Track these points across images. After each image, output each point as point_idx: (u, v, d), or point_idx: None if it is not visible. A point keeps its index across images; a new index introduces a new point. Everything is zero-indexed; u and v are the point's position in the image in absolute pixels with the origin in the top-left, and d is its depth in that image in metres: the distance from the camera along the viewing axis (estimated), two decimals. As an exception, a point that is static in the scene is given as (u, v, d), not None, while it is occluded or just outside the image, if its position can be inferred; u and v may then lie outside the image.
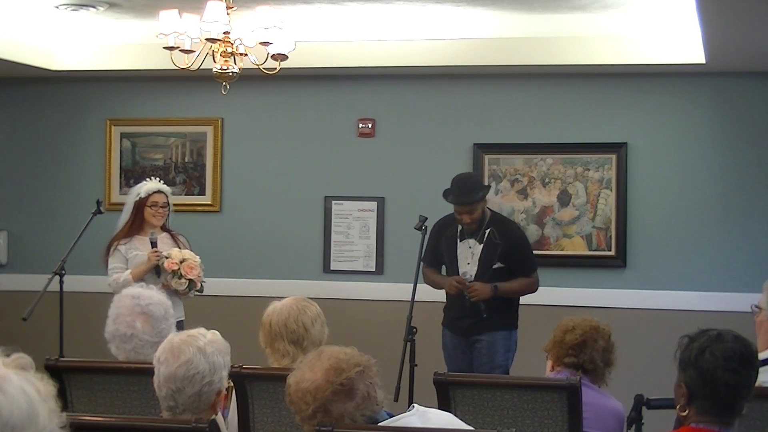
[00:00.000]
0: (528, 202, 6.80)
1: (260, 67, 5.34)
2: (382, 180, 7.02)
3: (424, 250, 5.51)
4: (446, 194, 5.62)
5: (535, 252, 6.46)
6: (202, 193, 7.25)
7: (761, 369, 2.89)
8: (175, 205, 6.10)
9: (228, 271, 6.93)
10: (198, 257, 5.73)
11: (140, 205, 5.84)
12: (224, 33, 5.15)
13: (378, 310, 6.86)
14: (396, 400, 4.70)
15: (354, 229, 7.04)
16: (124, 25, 6.73)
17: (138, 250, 5.76)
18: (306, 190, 7.10)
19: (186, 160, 7.30)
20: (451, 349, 5.74)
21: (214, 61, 5.25)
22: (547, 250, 6.75)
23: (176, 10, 5.13)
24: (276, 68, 5.38)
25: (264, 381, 3.72)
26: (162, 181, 6.02)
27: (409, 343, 5.10)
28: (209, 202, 7.24)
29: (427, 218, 5.49)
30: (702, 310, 6.33)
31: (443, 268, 5.81)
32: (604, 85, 6.75)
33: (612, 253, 6.68)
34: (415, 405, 2.80)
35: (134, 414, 3.58)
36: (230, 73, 5.26)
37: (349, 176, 7.06)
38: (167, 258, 5.65)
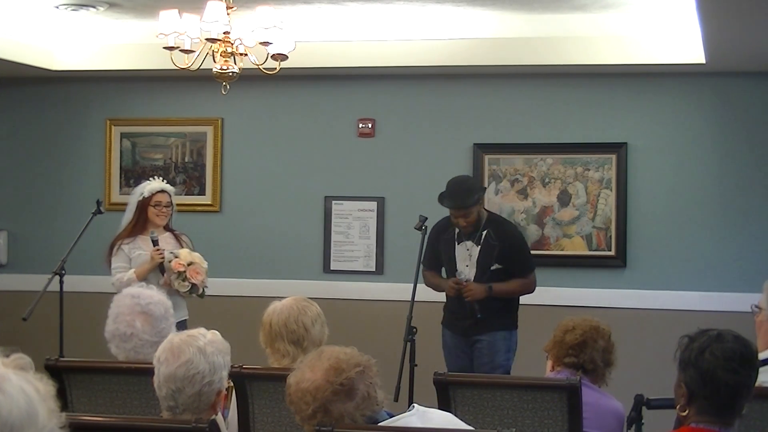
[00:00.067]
0: (528, 202, 6.80)
1: (260, 67, 5.34)
2: (382, 180, 7.02)
3: (423, 253, 5.51)
4: (441, 198, 5.62)
5: (535, 252, 6.47)
6: (202, 193, 7.25)
7: (761, 369, 2.89)
8: (175, 205, 6.09)
9: (228, 271, 6.93)
10: (206, 263, 5.73)
11: (144, 204, 5.84)
12: (224, 33, 5.15)
13: (378, 310, 6.86)
14: (396, 400, 4.70)
15: (354, 229, 7.04)
16: (124, 25, 6.73)
17: (141, 249, 5.76)
18: (306, 190, 7.10)
19: (186, 160, 7.30)
20: (452, 348, 5.74)
21: (214, 61, 5.25)
22: (547, 250, 6.75)
23: (176, 10, 5.13)
24: (276, 68, 5.38)
25: (264, 381, 3.72)
26: (165, 181, 6.02)
27: (409, 343, 5.10)
28: (209, 202, 7.24)
29: (427, 218, 5.49)
30: (702, 310, 6.33)
31: (443, 270, 5.81)
32: (604, 85, 6.75)
33: (612, 253, 6.68)
34: (415, 405, 2.80)
35: (134, 414, 3.58)
36: (230, 73, 5.26)
37: (349, 176, 7.06)
38: (176, 257, 5.65)
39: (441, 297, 5.79)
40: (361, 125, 7.05)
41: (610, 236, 6.68)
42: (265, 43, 5.17)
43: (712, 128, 6.64)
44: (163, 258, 5.66)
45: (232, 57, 5.25)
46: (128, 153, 7.37)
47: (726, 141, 6.61)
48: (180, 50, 5.20)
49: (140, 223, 5.84)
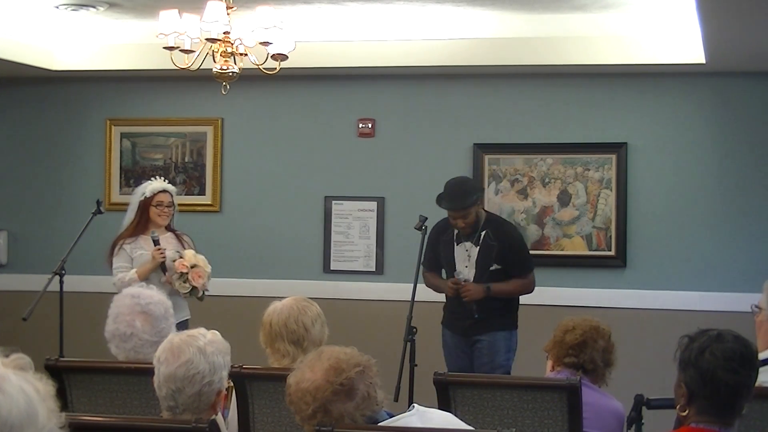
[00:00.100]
0: (528, 202, 6.80)
1: (260, 67, 5.34)
2: (382, 180, 7.02)
3: (423, 255, 5.51)
4: (439, 200, 5.62)
5: (535, 252, 6.47)
6: (202, 193, 7.25)
7: (761, 369, 2.89)
8: (177, 205, 6.09)
9: (228, 271, 6.93)
10: (210, 267, 5.73)
11: (145, 204, 5.84)
12: (224, 33, 5.15)
13: (378, 310, 6.86)
14: (396, 400, 4.70)
15: (354, 229, 7.04)
16: (124, 25, 6.73)
17: (143, 249, 5.76)
18: (306, 190, 7.10)
19: (186, 160, 7.30)
20: (452, 347, 5.74)
21: (214, 61, 5.25)
22: (547, 250, 6.75)
23: (176, 10, 5.13)
24: (276, 68, 5.38)
25: (264, 381, 3.72)
26: (166, 181, 6.02)
27: (409, 343, 5.10)
28: (209, 202, 7.24)
29: (427, 218, 5.49)
30: (702, 310, 6.33)
31: (444, 272, 5.81)
32: (604, 85, 6.75)
33: (612, 253, 6.67)
34: (415, 405, 2.80)
35: (134, 414, 3.58)
36: (230, 73, 5.26)
37: (349, 176, 7.06)
38: (180, 257, 5.66)
39: (441, 297, 5.79)
40: (361, 125, 7.05)
41: (610, 236, 6.68)
42: (265, 43, 5.17)
43: (712, 128, 6.64)
44: (164, 258, 5.66)
45: (232, 57, 5.25)
46: (128, 153, 7.37)
47: (726, 141, 6.61)
48: (180, 50, 5.20)
49: (142, 223, 5.84)
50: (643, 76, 6.68)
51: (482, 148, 6.86)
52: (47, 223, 7.41)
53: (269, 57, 5.33)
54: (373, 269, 7.00)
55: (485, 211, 5.89)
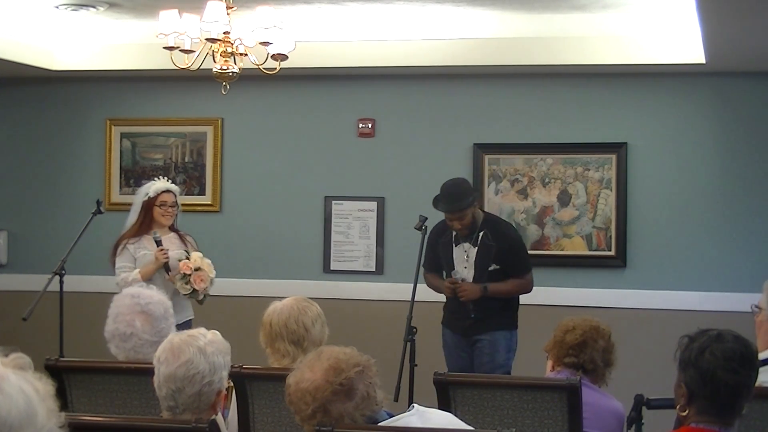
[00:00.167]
0: (528, 202, 6.80)
1: (260, 67, 5.34)
2: (382, 180, 7.02)
3: (423, 256, 5.51)
4: (436, 202, 5.63)
5: (535, 252, 6.48)
6: (202, 193, 7.25)
7: (761, 369, 2.89)
8: (180, 205, 6.08)
9: (228, 271, 6.92)
10: (214, 272, 5.72)
11: (149, 204, 5.83)
12: (224, 33, 5.15)
13: (378, 310, 6.86)
14: (396, 400, 4.70)
15: (354, 229, 7.04)
16: (124, 25, 6.73)
17: (146, 249, 5.76)
18: (306, 190, 7.10)
19: (186, 160, 7.30)
20: (452, 347, 5.74)
21: (214, 61, 5.24)
22: (547, 250, 6.75)
23: (176, 10, 5.13)
24: (276, 68, 5.38)
25: (264, 381, 3.72)
26: (170, 181, 6.02)
27: (409, 343, 5.10)
28: (209, 202, 7.24)
29: (427, 218, 5.49)
30: (702, 310, 6.33)
31: (444, 273, 5.81)
32: (604, 85, 6.75)
33: (612, 253, 6.67)
34: (415, 405, 2.80)
35: (134, 414, 3.58)
36: (230, 73, 5.26)
37: (349, 176, 7.06)
38: (187, 258, 5.65)
39: (441, 297, 5.79)
40: (361, 125, 7.05)
41: (610, 236, 6.68)
42: (265, 43, 5.17)
43: (712, 128, 6.64)
44: (167, 258, 5.66)
45: (232, 57, 5.25)
46: (128, 153, 7.37)
47: (726, 141, 6.61)
48: (180, 50, 5.20)
49: (146, 223, 5.83)
50: (643, 76, 6.68)
51: (482, 148, 6.86)
52: (47, 223, 7.41)
53: (269, 57, 5.33)
54: (373, 269, 7.01)
55: (483, 211, 5.90)
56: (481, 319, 5.56)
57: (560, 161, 6.77)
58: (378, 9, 6.28)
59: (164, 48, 5.20)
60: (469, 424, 2.92)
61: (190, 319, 5.69)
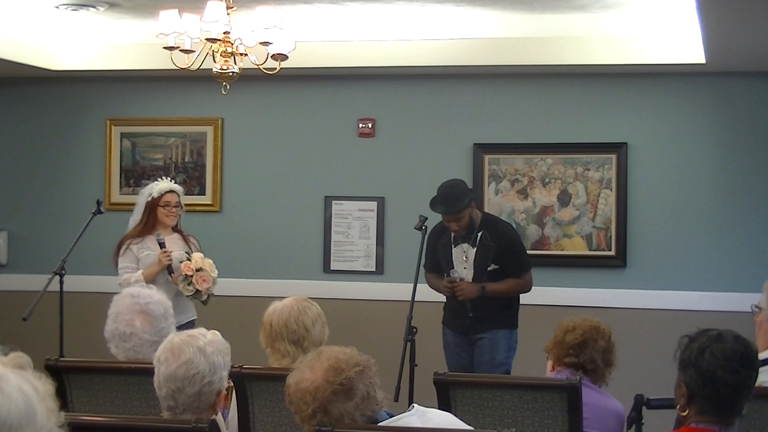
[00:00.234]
0: (528, 202, 6.80)
1: (260, 67, 5.34)
2: (382, 180, 7.02)
3: (424, 256, 5.52)
4: (433, 204, 5.64)
5: (535, 252, 6.49)
6: (202, 193, 7.25)
7: (761, 369, 2.89)
8: (183, 205, 6.07)
9: (228, 271, 6.89)
10: (216, 272, 5.72)
11: (153, 205, 5.82)
12: (224, 33, 5.15)
13: (378, 310, 6.86)
14: (396, 400, 4.69)
15: (354, 229, 7.04)
16: (124, 25, 6.73)
17: (149, 249, 5.75)
18: (306, 190, 7.10)
19: (186, 160, 7.30)
20: (453, 346, 5.75)
21: (214, 61, 5.24)
22: (547, 250, 6.75)
23: (176, 10, 5.13)
24: (276, 68, 5.38)
25: (264, 381, 3.72)
26: (173, 181, 6.02)
27: (409, 343, 5.10)
28: (209, 202, 7.24)
29: (427, 218, 5.50)
30: (702, 310, 6.33)
31: (444, 273, 5.81)
32: (604, 85, 6.75)
33: (612, 253, 6.67)
34: (415, 405, 2.80)
35: (134, 414, 3.58)
36: (230, 73, 5.26)
37: (349, 176, 7.06)
38: (188, 259, 5.65)
39: (441, 297, 5.79)
40: (361, 125, 7.05)
41: (610, 236, 6.68)
42: (265, 43, 5.17)
43: (713, 128, 6.64)
44: (170, 261, 5.66)
45: (232, 57, 5.25)
46: (128, 153, 7.37)
47: (726, 141, 6.61)
48: (180, 50, 5.20)
49: (150, 224, 5.82)
50: (643, 76, 6.68)
51: (482, 148, 6.86)
52: (47, 223, 7.41)
53: (269, 57, 5.32)
54: (373, 269, 7.01)
55: (481, 211, 5.90)
56: (479, 318, 5.56)
57: (560, 161, 6.77)
58: (378, 9, 6.28)
59: (164, 48, 5.20)
60: (469, 424, 2.92)
61: (193, 320, 5.68)
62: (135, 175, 7.31)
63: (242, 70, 5.33)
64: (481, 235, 5.63)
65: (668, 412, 3.02)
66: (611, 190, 6.68)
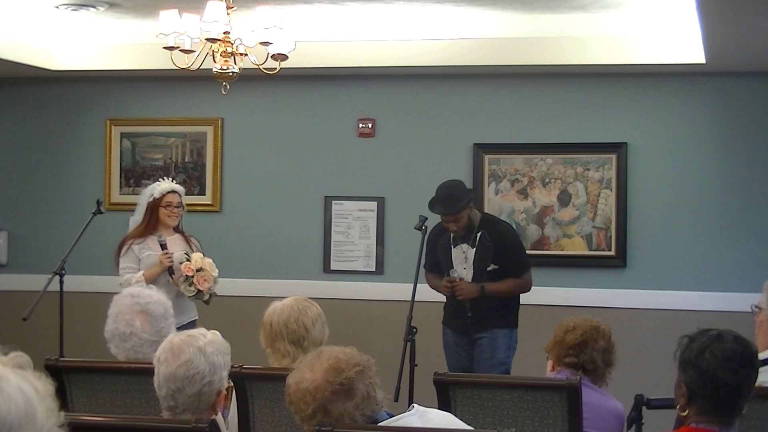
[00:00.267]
0: (528, 202, 6.80)
1: (260, 67, 5.34)
2: (382, 180, 7.02)
3: (424, 256, 5.52)
4: (431, 205, 5.64)
5: (535, 252, 6.49)
6: (202, 193, 7.25)
7: (761, 369, 2.89)
8: (185, 205, 6.06)
9: (228, 271, 6.89)
10: (216, 271, 5.72)
11: (154, 205, 5.82)
12: (224, 33, 5.15)
13: (378, 310, 6.86)
14: (396, 400, 4.69)
15: (354, 229, 7.04)
16: (124, 25, 6.73)
17: (151, 250, 5.75)
18: (306, 190, 7.10)
19: (186, 160, 7.30)
20: (453, 346, 5.75)
21: (214, 61, 5.24)
22: (547, 250, 6.75)
23: (176, 10, 5.13)
24: (276, 68, 5.38)
25: (264, 381, 3.72)
26: (175, 181, 6.02)
27: (409, 343, 5.10)
28: (209, 202, 7.24)
29: (427, 218, 5.50)
30: (702, 310, 6.33)
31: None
32: (604, 85, 6.75)
33: (612, 253, 6.67)
34: (415, 405, 2.80)
35: (134, 414, 3.58)
36: (230, 73, 5.26)
37: (349, 176, 7.06)
38: (188, 260, 5.65)
39: (441, 297, 5.79)
40: (361, 125, 7.05)
41: (610, 236, 6.68)
42: (265, 43, 5.16)
43: (713, 128, 6.64)
44: (171, 262, 5.65)
45: (232, 57, 5.25)
46: (128, 153, 7.37)
47: (726, 141, 6.61)
48: (180, 50, 5.20)
49: (151, 224, 5.82)
50: (643, 76, 6.68)
51: (482, 148, 6.86)
52: (47, 223, 7.41)
53: (269, 57, 5.32)
54: (373, 269, 7.01)
55: (480, 212, 5.91)
56: (478, 318, 5.57)
57: (560, 161, 6.77)
58: (378, 9, 6.28)
59: (164, 48, 5.20)
60: (469, 424, 2.92)
61: (195, 320, 5.68)
62: (135, 175, 7.31)
63: (242, 70, 5.33)
64: (480, 236, 5.63)
65: (668, 412, 3.02)
66: (611, 190, 6.68)
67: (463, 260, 5.66)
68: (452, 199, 5.58)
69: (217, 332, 3.10)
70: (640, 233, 6.66)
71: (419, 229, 5.47)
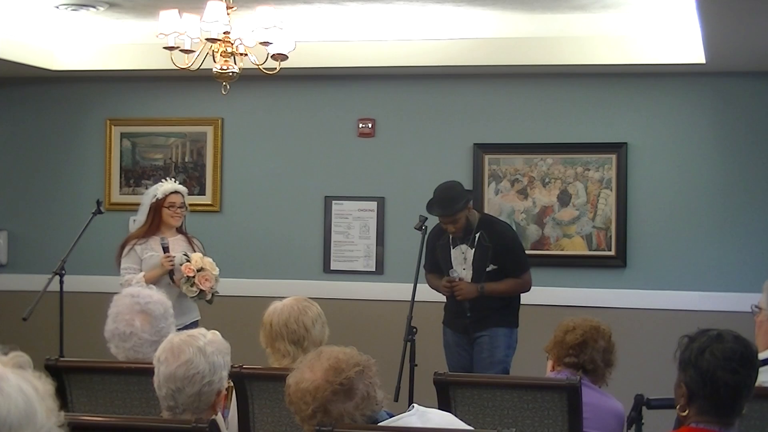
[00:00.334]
0: (528, 202, 6.80)
1: (260, 67, 5.34)
2: (382, 180, 7.02)
3: (424, 257, 5.52)
4: (429, 206, 5.65)
5: (535, 252, 6.49)
6: (202, 193, 7.25)
7: (761, 369, 2.89)
8: (188, 206, 6.06)
9: (228, 271, 6.88)
10: (217, 270, 5.72)
11: (157, 206, 5.81)
12: (224, 33, 5.15)
13: (378, 310, 6.86)
14: (396, 400, 4.69)
15: (354, 229, 7.04)
16: (124, 25, 6.73)
17: (153, 251, 5.74)
18: (306, 190, 7.10)
19: (186, 160, 7.30)
20: (453, 346, 5.75)
21: (214, 61, 5.24)
22: (547, 250, 6.75)
23: (176, 10, 5.13)
24: (276, 68, 5.38)
25: (264, 381, 3.72)
26: (177, 182, 6.01)
27: (409, 343, 5.10)
28: (209, 202, 7.24)
29: (427, 218, 5.50)
30: (702, 310, 6.32)
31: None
32: (604, 85, 6.75)
33: (612, 253, 6.67)
34: (415, 405, 2.80)
35: (134, 414, 3.58)
36: (230, 73, 5.26)
37: (349, 176, 7.06)
38: (187, 261, 5.64)
39: (441, 297, 5.80)
40: (361, 125, 7.05)
41: (610, 236, 6.68)
42: (265, 43, 5.16)
43: (713, 128, 6.64)
44: (173, 266, 5.65)
45: (232, 57, 5.25)
46: (128, 153, 7.37)
47: (726, 141, 6.61)
48: (180, 50, 5.20)
49: (155, 225, 5.81)
50: (643, 76, 6.68)
51: (482, 148, 6.86)
52: (47, 223, 7.41)
53: (269, 57, 5.32)
54: (373, 269, 7.01)
55: (479, 212, 5.90)
56: (478, 318, 5.57)
57: (560, 161, 6.77)
58: (378, 9, 6.28)
59: (164, 48, 5.20)
60: (469, 424, 2.92)
61: (197, 320, 5.68)
62: (135, 175, 7.30)
63: (242, 70, 5.33)
64: (479, 236, 5.64)
65: (668, 412, 3.02)
66: (611, 190, 6.68)
67: (462, 261, 5.67)
68: (450, 200, 5.58)
69: (217, 332, 3.10)
70: (640, 233, 6.66)
71: (419, 229, 5.47)
